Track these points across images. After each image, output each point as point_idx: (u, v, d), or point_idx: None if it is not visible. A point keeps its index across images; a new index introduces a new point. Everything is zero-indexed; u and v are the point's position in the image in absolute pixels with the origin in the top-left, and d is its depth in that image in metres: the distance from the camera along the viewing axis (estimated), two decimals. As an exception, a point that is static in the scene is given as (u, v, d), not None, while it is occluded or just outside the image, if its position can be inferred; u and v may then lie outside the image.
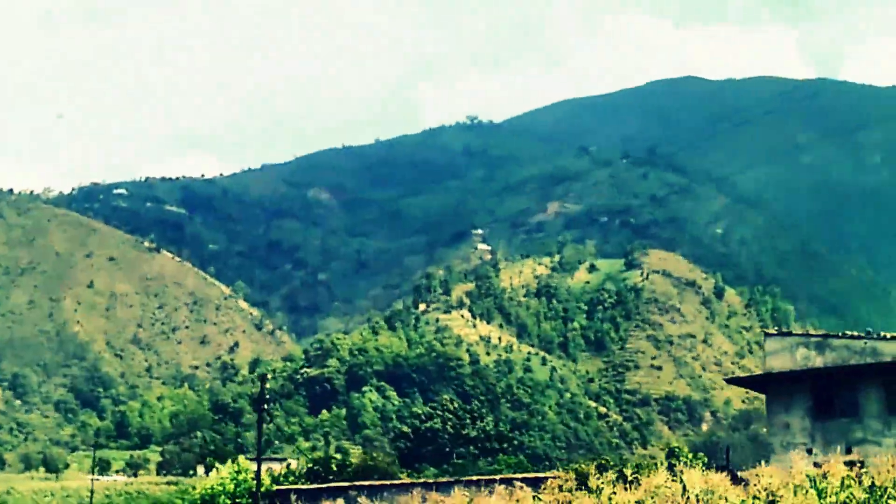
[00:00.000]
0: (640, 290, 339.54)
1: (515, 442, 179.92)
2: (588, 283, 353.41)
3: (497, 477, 45.93)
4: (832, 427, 45.68)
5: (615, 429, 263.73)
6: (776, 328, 56.78)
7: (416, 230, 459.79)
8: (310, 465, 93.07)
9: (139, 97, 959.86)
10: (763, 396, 52.13)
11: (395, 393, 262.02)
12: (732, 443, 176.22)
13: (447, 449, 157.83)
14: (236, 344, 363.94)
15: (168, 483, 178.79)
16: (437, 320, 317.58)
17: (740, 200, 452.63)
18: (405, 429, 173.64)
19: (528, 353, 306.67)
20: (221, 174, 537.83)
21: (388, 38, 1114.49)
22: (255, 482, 62.15)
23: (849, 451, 42.86)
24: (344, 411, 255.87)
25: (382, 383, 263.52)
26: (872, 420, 44.75)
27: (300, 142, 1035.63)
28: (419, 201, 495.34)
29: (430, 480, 56.12)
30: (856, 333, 47.39)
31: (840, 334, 47.74)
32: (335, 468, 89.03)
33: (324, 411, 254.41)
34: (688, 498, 21.96)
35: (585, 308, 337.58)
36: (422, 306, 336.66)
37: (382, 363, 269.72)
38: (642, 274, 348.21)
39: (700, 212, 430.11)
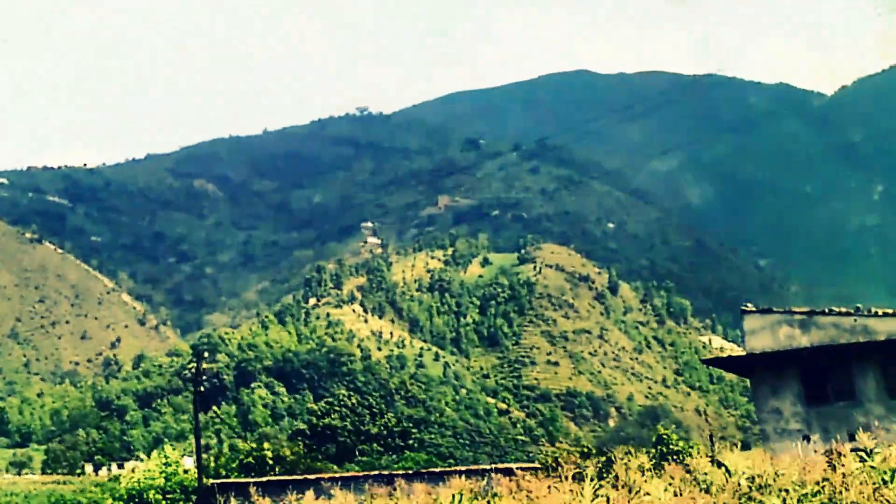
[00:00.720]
0: (533, 284, 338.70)
1: (418, 438, 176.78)
2: (481, 277, 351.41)
3: (491, 467, 44.04)
4: (829, 413, 42.57)
5: (518, 425, 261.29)
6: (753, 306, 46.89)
7: (304, 223, 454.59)
8: (241, 458, 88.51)
9: (21, 86, 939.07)
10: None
11: (284, 389, 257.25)
12: (641, 437, 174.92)
13: (349, 446, 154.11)
14: (119, 339, 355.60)
15: (55, 482, 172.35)
16: (329, 315, 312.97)
17: (632, 194, 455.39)
18: (302, 425, 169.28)
19: (421, 348, 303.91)
20: (105, 164, 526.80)
21: (278, 29, 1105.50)
22: (185, 475, 59.64)
23: (852, 438, 38.08)
24: (234, 408, 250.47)
25: (272, 379, 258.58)
26: (873, 404, 41.56)
27: (186, 132, 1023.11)
28: (307, 194, 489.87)
29: (410, 471, 53.76)
30: (844, 309, 43.84)
31: (827, 310, 44.18)
32: (271, 461, 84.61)
33: (213, 408, 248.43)
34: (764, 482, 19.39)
35: (478, 303, 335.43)
36: (312, 301, 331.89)
37: (272, 358, 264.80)
38: (535, 268, 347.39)
39: (591, 206, 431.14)
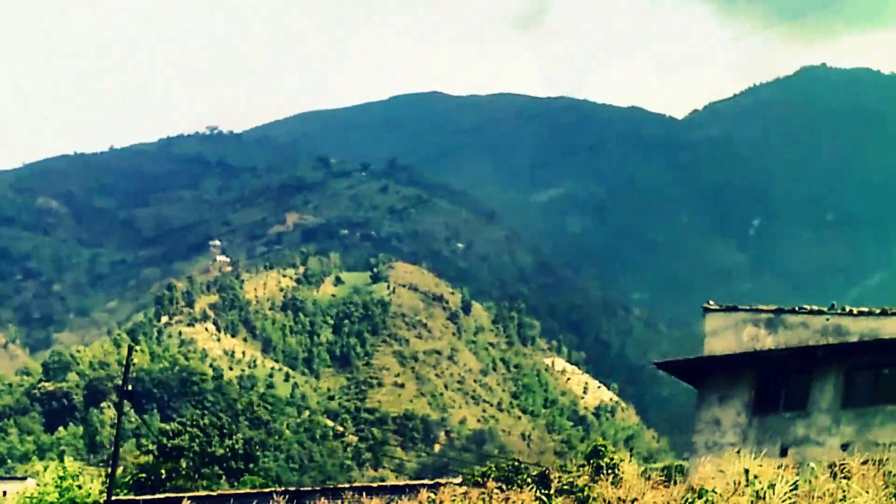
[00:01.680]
0: (387, 304, 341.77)
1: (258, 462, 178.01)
2: (334, 296, 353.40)
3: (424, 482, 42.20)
4: (770, 423, 38.93)
5: (349, 449, 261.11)
6: (717, 304, 42.89)
7: (152, 241, 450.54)
8: (133, 474, 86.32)
9: None
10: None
11: (132, 410, 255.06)
12: (463, 461, 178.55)
13: (193, 467, 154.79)
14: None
15: None
16: (181, 333, 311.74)
17: (481, 215, 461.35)
18: (151, 446, 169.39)
19: (272, 368, 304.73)
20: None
21: (127, 46, 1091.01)
22: (80, 490, 56.60)
23: (783, 454, 36.45)
24: (81, 429, 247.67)
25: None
26: (821, 415, 37.95)
27: (29, 148, 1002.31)
28: (154, 211, 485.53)
29: (359, 484, 50.20)
30: (816, 308, 40.61)
31: (797, 308, 40.89)
32: (164, 475, 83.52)
33: (60, 428, 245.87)
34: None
35: (332, 322, 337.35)
36: (164, 319, 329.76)
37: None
38: (389, 287, 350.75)
39: (441, 226, 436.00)
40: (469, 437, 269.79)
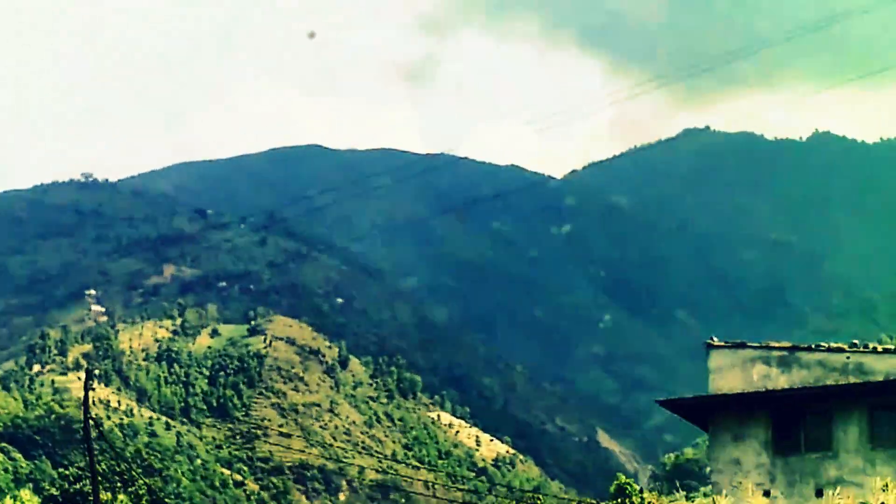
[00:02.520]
0: (263, 356, 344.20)
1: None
2: (210, 348, 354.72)
3: None
4: (798, 464, 38.05)
5: (252, 497, 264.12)
6: (722, 340, 41.38)
7: (25, 289, 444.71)
8: None
9: None
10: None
11: (20, 455, 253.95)
12: None
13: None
14: None
15: None
16: (54, 382, 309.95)
17: (359, 270, 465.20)
18: (53, 491, 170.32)
19: (150, 417, 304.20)
20: None
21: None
22: None
23: (819, 494, 36.07)
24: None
25: (5, 444, 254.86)
26: (850, 455, 37.11)
27: None
28: (28, 259, 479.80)
29: None
30: (835, 345, 39.84)
31: (813, 346, 40.03)
32: None
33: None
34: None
35: (208, 373, 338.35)
36: (36, 367, 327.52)
37: (1, 424, 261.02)
38: (265, 340, 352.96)
39: (320, 280, 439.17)
40: (373, 486, 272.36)
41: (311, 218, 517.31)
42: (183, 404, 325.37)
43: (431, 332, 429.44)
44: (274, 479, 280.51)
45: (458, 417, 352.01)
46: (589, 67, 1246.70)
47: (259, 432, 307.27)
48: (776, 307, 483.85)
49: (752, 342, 41.13)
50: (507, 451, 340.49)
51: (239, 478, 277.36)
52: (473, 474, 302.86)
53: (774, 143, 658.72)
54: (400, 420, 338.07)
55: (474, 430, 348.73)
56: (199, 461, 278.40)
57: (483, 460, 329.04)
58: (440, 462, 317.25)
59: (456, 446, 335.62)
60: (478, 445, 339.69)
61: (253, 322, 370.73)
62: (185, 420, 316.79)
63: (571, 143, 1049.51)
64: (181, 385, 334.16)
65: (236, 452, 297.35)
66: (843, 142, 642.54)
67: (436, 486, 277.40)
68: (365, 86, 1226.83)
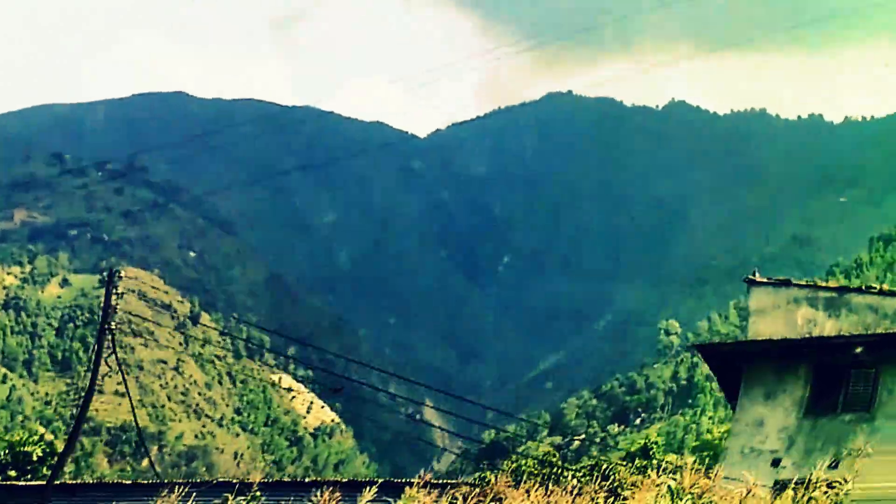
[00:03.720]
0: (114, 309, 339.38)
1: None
2: (60, 298, 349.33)
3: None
4: (824, 428, 32.58)
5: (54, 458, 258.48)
6: (764, 276, 33.95)
7: None
8: None
9: None
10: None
11: None
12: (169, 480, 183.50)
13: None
14: None
15: None
16: None
17: (215, 223, 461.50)
18: None
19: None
20: None
21: None
22: None
23: (834, 466, 28.38)
24: None
25: None
26: (887, 420, 31.54)
27: None
28: None
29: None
30: (888, 288, 34.75)
31: (864, 287, 35.42)
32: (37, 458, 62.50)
33: None
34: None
35: (56, 325, 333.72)
36: None
37: None
38: (117, 293, 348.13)
39: (174, 232, 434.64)
40: (181, 453, 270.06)
41: (171, 167, 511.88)
42: (27, 356, 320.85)
43: (283, 293, 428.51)
44: (85, 440, 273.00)
45: (298, 381, 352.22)
46: (459, 25, 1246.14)
47: (96, 389, 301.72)
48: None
49: (797, 280, 36.27)
50: (332, 420, 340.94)
51: (50, 437, 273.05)
52: (287, 444, 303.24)
53: (632, 110, 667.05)
54: (241, 382, 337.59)
55: (310, 396, 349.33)
56: (20, 417, 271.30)
57: (305, 428, 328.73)
58: (263, 429, 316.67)
59: (287, 413, 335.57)
60: (307, 412, 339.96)
61: (104, 273, 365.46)
62: (24, 373, 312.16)
63: (437, 102, 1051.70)
64: (27, 336, 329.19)
65: (63, 410, 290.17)
66: (697, 111, 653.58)
67: (242, 456, 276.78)
68: (234, 35, 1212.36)
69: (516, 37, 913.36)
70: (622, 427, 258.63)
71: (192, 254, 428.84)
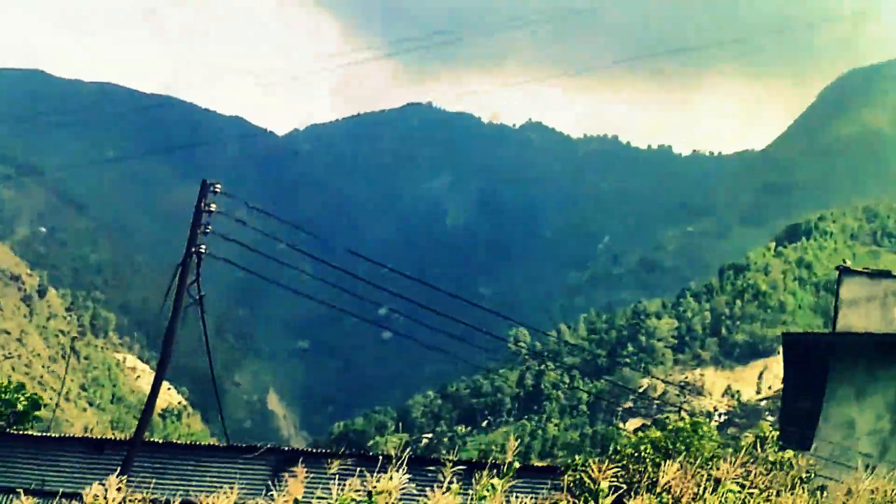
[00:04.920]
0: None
1: None
2: None
3: None
4: None
5: None
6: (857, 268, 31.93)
7: None
8: None
9: None
10: None
11: None
12: None
13: None
14: None
15: None
16: None
17: (66, 201, 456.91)
18: None
19: None
20: None
21: None
22: None
23: None
24: None
25: None
26: None
27: None
28: None
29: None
30: None
31: None
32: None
33: None
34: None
35: None
36: None
37: None
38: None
39: (27, 208, 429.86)
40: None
41: (26, 143, 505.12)
42: None
43: (130, 272, 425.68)
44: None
45: (144, 362, 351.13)
46: (325, 28, 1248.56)
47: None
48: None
49: (897, 272, 32.69)
50: (180, 402, 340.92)
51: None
52: (137, 421, 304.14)
53: (489, 127, 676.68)
54: (86, 358, 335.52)
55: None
56: None
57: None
58: (110, 406, 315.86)
59: (133, 392, 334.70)
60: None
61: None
62: None
63: (298, 102, 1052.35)
64: None
65: None
66: (552, 133, 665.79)
67: (92, 431, 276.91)
68: (101, 19, 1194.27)
69: (381, 44, 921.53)
70: (469, 428, 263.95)
71: (42, 230, 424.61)
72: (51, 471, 39.26)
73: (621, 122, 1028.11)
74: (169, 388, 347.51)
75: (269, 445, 40.11)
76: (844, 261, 34.12)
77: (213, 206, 38.04)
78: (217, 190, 38.39)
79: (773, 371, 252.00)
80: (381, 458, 29.81)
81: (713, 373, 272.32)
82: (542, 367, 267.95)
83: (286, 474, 31.78)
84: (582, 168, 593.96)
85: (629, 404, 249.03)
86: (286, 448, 39.45)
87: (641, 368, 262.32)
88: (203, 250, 37.99)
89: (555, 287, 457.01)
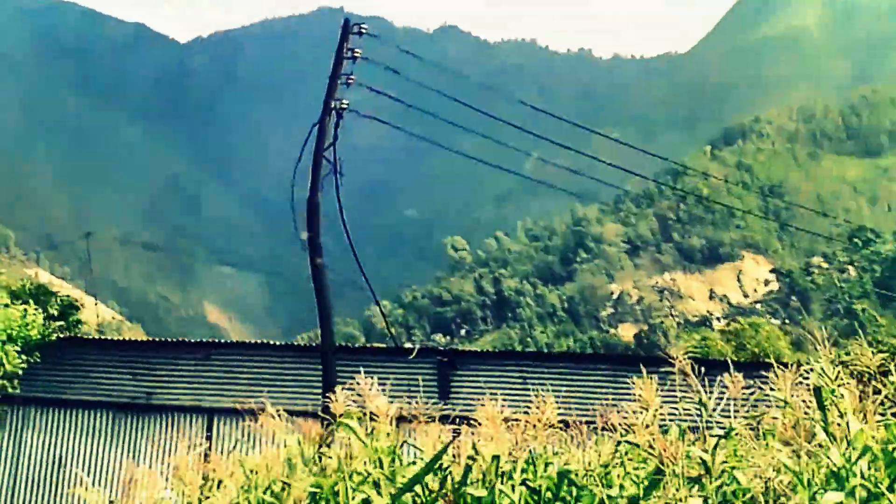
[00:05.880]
0: None
1: None
2: None
3: None
4: None
5: None
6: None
7: None
8: None
9: None
10: None
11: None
12: None
13: None
14: None
15: None
16: None
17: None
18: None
19: None
20: None
21: None
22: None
23: None
24: None
25: None
26: None
27: None
28: None
29: None
30: None
31: None
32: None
33: None
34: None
35: None
36: None
37: None
38: None
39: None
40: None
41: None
42: None
43: (29, 189, 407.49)
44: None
45: (58, 277, 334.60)
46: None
47: None
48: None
49: None
50: (114, 317, 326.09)
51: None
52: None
53: (402, 31, 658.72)
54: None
55: (78, 293, 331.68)
56: None
57: (86, 323, 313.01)
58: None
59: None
60: (82, 307, 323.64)
61: None
62: None
63: (202, 7, 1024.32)
64: None
65: None
66: (467, 38, 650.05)
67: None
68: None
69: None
70: (448, 338, 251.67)
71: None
72: (149, 380, 32.15)
73: (539, 26, 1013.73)
74: (96, 304, 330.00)
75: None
76: None
77: (359, 52, 32.25)
78: (364, 30, 32.45)
79: (749, 274, 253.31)
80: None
81: (684, 277, 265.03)
82: (495, 275, 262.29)
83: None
84: (500, 74, 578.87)
85: (610, 310, 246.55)
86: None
87: (603, 274, 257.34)
88: (345, 105, 32.31)
89: (482, 197, 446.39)
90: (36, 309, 32.58)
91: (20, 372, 30.33)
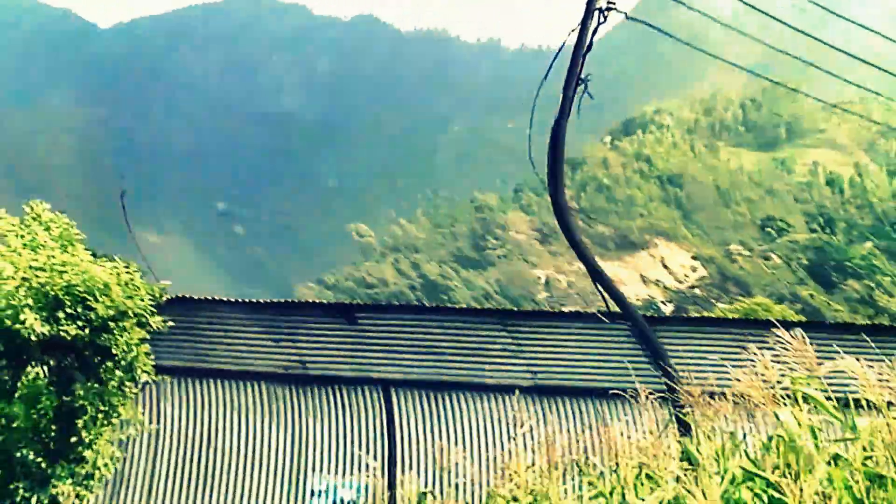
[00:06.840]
0: None
1: None
2: None
3: None
4: None
5: None
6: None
7: None
8: None
9: None
10: None
11: None
12: None
13: None
14: None
15: None
16: None
17: None
18: None
19: None
20: None
21: None
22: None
23: None
24: None
25: None
26: None
27: None
28: None
29: None
30: None
31: None
32: None
33: None
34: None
35: None
36: None
37: None
38: None
39: None
40: None
41: None
42: None
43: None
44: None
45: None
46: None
47: None
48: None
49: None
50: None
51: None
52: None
53: (320, 18, 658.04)
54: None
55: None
56: None
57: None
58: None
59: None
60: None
61: None
62: None
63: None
64: None
65: None
66: (383, 27, 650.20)
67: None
68: None
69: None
70: None
71: None
72: (298, 347, 26.80)
73: (452, 16, 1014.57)
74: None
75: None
76: None
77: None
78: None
79: (674, 260, 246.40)
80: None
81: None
82: (411, 259, 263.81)
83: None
84: (410, 63, 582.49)
85: (545, 294, 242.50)
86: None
87: (521, 260, 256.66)
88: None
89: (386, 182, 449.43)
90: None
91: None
